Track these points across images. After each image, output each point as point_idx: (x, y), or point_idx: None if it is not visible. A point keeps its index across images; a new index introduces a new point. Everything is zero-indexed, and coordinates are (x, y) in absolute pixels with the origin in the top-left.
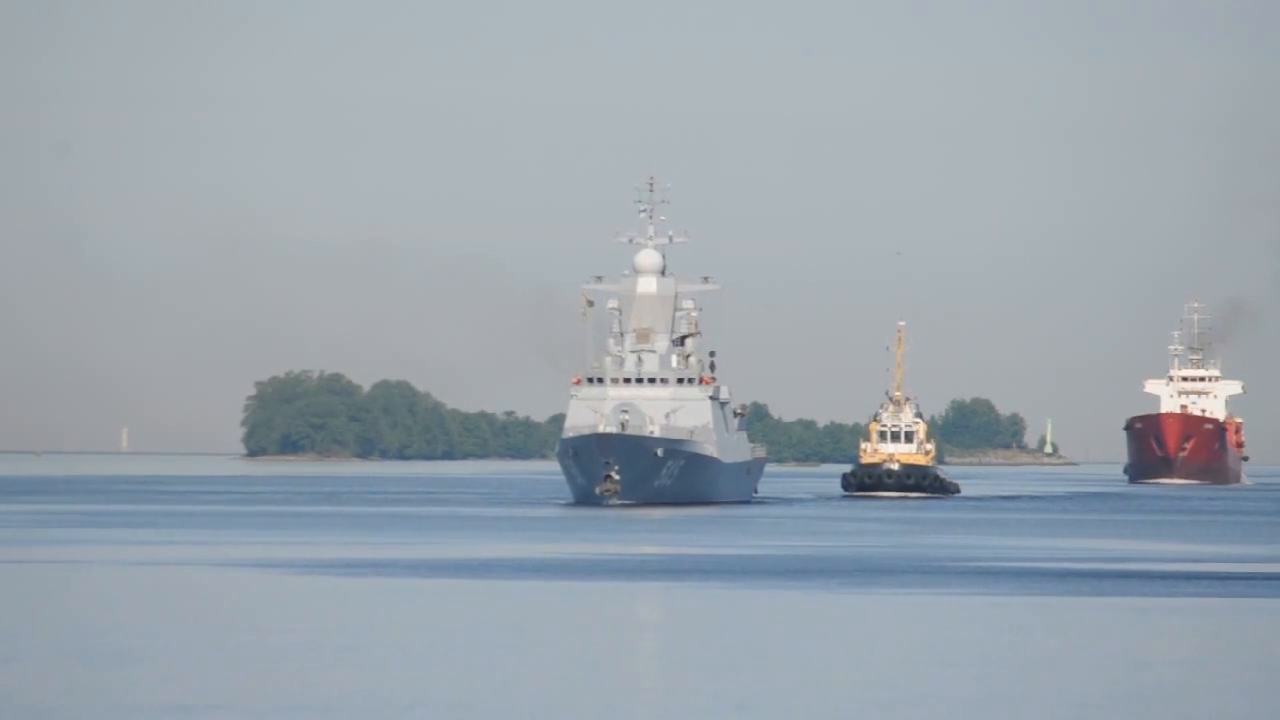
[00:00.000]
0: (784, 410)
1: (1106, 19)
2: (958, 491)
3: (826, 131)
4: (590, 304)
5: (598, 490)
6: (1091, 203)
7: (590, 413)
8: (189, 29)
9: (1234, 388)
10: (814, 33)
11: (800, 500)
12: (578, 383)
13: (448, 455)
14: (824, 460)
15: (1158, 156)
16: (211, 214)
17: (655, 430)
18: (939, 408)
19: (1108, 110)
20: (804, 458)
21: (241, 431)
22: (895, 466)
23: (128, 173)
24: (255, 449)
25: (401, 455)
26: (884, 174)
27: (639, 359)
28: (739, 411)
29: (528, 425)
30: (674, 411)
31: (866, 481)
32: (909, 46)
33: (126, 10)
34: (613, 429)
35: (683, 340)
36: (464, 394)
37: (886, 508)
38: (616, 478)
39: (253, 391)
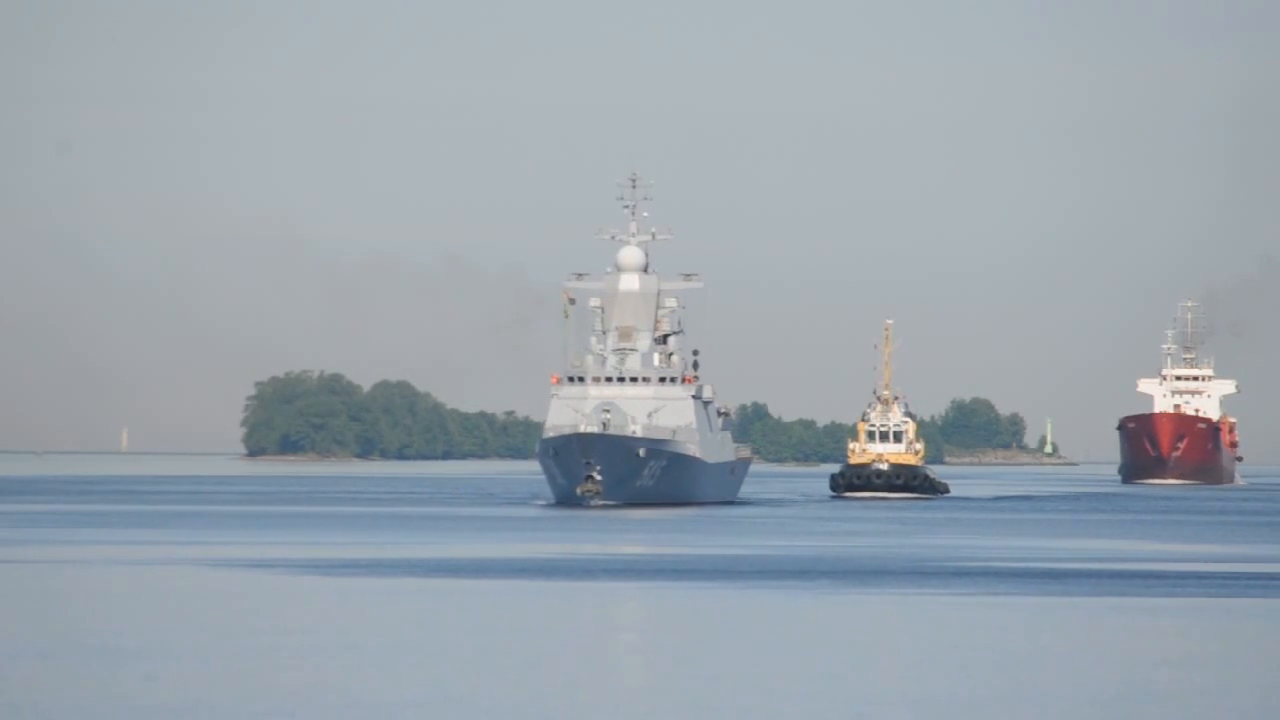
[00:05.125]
0: (784, 410)
1: (1107, 19)
2: (947, 492)
3: (823, 131)
4: (572, 302)
5: (579, 491)
6: (1092, 202)
7: (571, 412)
8: (189, 29)
9: (1228, 387)
10: (806, 31)
11: (787, 501)
12: (557, 382)
13: (448, 455)
14: (824, 460)
15: (1158, 157)
16: (211, 214)
17: (637, 430)
18: (939, 407)
19: (1108, 111)
20: (803, 458)
21: (241, 431)
22: (884, 466)
23: (128, 173)
24: (255, 449)
25: (401, 455)
26: (883, 174)
27: (621, 357)
28: (723, 411)
29: (528, 425)
30: (656, 411)
31: (855, 482)
32: (906, 45)
33: (126, 10)
34: (594, 429)
35: (665, 339)
36: (464, 394)
37: (873, 508)
38: (598, 478)
39: (253, 391)
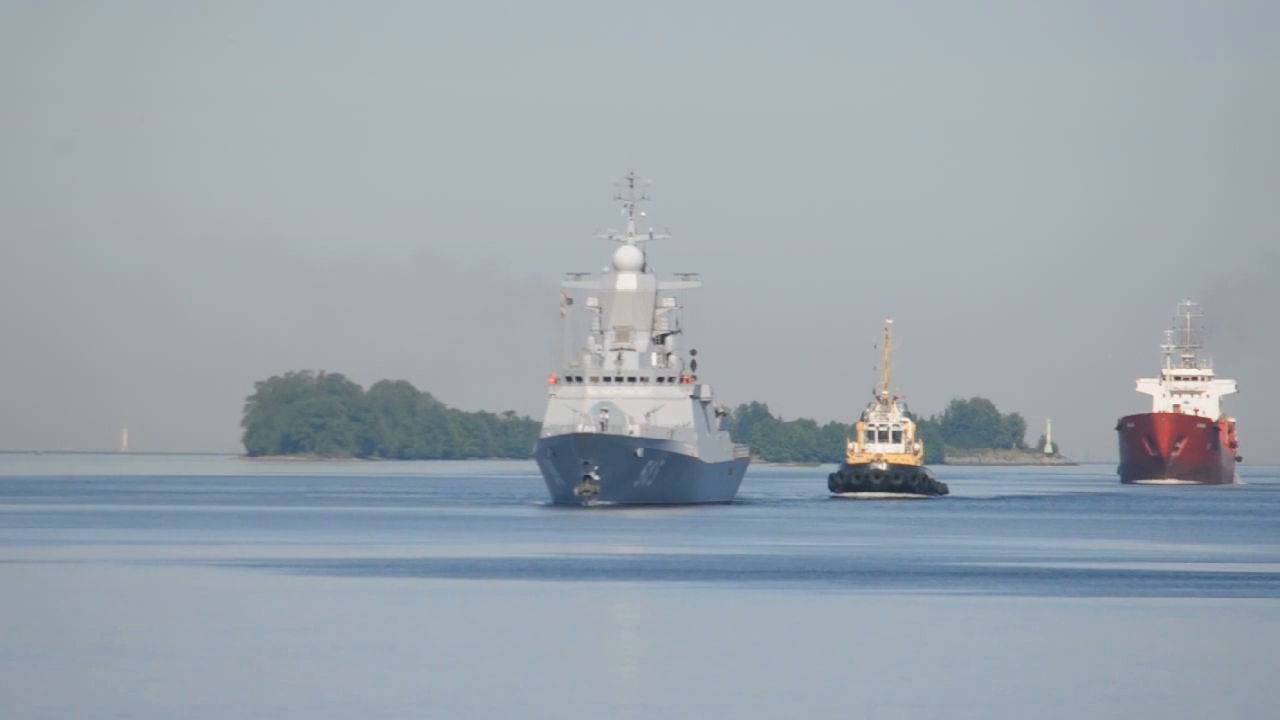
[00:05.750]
0: (784, 410)
1: (1107, 19)
2: (946, 492)
3: (822, 130)
4: (569, 301)
5: (576, 491)
6: (1093, 202)
7: (569, 412)
8: (189, 29)
9: (1227, 387)
10: (806, 30)
11: (785, 501)
12: (555, 382)
13: (448, 455)
14: (824, 460)
15: (1158, 157)
16: (211, 214)
17: (635, 430)
18: (939, 408)
19: (1108, 111)
20: (804, 458)
21: (241, 431)
22: (883, 467)
23: (128, 173)
24: (255, 449)
25: (401, 455)
26: (883, 174)
27: (618, 357)
28: (721, 411)
29: (528, 425)
30: (654, 411)
31: (853, 482)
32: (906, 45)
33: (126, 10)
34: (592, 428)
35: (663, 338)
36: (464, 394)
37: (871, 508)
38: (595, 478)
39: (253, 391)
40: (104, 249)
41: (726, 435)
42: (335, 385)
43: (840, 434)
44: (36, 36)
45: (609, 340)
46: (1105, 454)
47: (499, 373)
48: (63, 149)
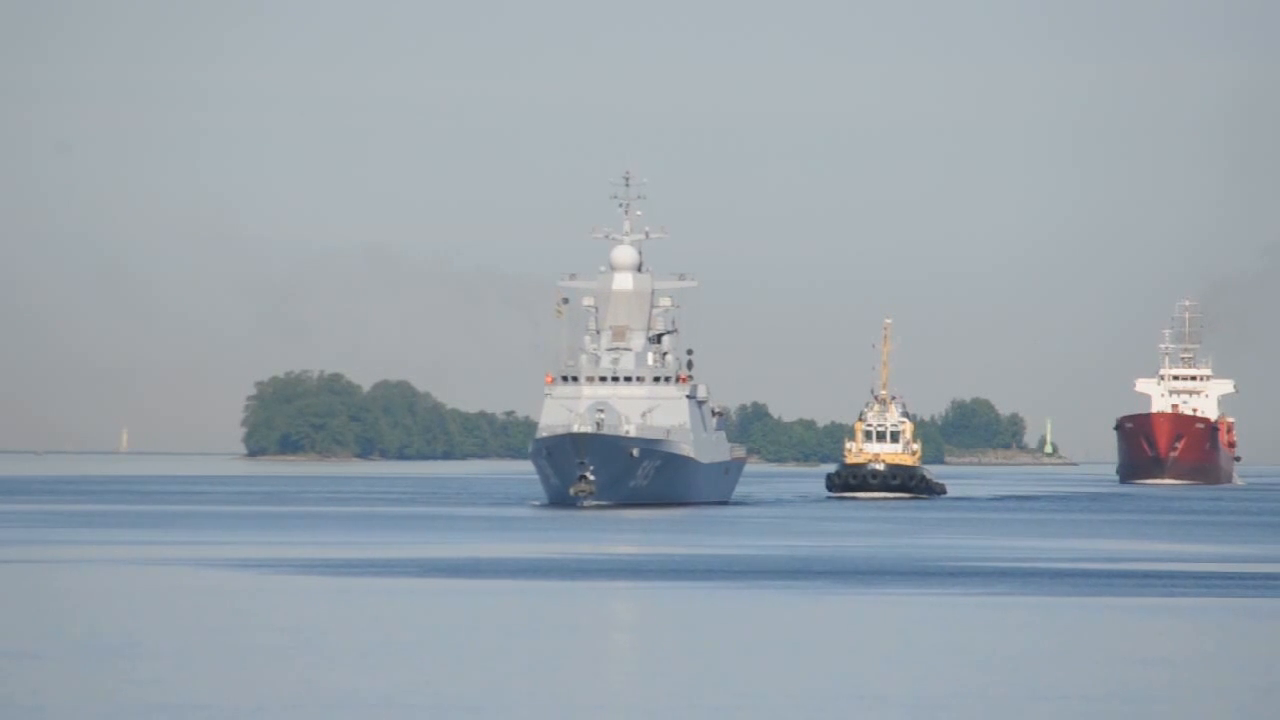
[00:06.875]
0: (785, 410)
1: (1107, 19)
2: (944, 492)
3: (820, 130)
4: (565, 301)
5: (572, 491)
6: (1092, 202)
7: (565, 412)
8: (189, 29)
9: (1226, 387)
10: (804, 30)
11: (782, 501)
12: (551, 381)
13: (448, 455)
14: (824, 460)
15: (1158, 157)
16: (212, 213)
17: (631, 430)
18: (939, 407)
19: (1108, 111)
20: (804, 458)
21: (241, 431)
22: (880, 467)
23: (128, 172)
24: (255, 449)
25: (401, 455)
26: (883, 174)
27: (615, 357)
28: (718, 411)
29: (528, 425)
30: (650, 411)
31: (851, 482)
32: (906, 45)
33: (126, 10)
34: (588, 428)
35: (659, 338)
36: (464, 394)
37: (868, 508)
38: (591, 478)
39: (253, 391)
40: (104, 249)
41: (723, 435)
42: (335, 385)
43: (840, 434)
44: (36, 36)
45: (605, 340)
46: (1105, 454)
47: (497, 373)
48: (63, 149)
